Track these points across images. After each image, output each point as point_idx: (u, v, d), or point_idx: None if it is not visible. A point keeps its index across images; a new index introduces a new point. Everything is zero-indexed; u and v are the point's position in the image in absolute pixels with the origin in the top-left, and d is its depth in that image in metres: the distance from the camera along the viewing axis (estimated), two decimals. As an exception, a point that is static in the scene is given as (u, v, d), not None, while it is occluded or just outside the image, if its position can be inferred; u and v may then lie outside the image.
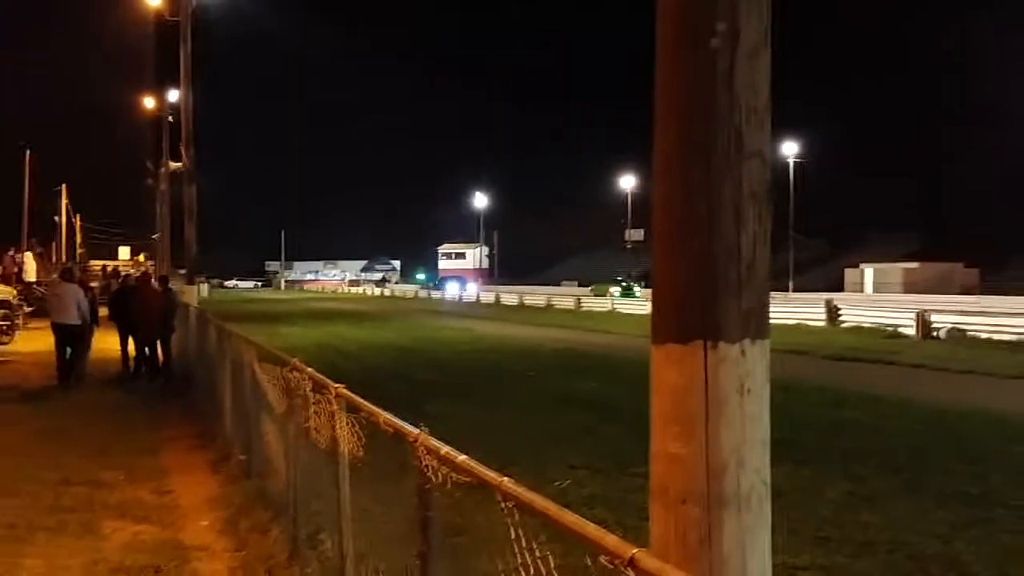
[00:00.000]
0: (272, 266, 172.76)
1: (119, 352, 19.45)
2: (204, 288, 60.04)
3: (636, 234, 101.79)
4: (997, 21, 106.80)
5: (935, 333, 28.25)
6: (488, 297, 71.98)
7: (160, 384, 17.97)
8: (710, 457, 2.58)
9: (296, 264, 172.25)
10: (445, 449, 3.44)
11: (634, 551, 2.12)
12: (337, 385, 5.36)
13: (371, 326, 38.01)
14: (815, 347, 24.90)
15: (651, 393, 2.72)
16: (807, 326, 32.86)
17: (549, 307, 55.10)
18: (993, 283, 63.64)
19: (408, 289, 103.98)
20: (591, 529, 2.33)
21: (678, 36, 2.66)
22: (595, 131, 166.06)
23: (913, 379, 18.66)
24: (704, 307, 2.61)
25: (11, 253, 42.19)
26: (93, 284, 26.60)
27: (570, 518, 2.44)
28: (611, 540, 2.22)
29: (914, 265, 69.74)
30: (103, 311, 20.29)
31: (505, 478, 2.87)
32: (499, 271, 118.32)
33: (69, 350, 17.90)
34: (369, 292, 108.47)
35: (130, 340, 19.18)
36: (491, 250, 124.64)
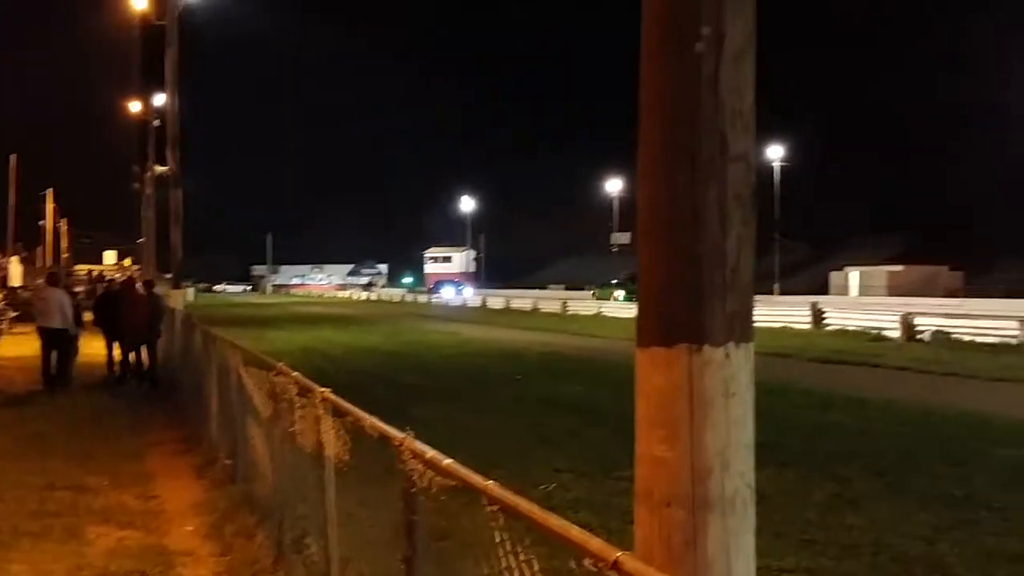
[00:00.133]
0: (259, 270, 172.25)
1: (104, 357, 19.38)
2: (190, 292, 59.96)
3: (622, 237, 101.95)
4: (986, 21, 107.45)
5: (919, 336, 28.37)
6: (475, 301, 72.03)
7: (145, 389, 17.93)
8: (695, 460, 2.58)
9: (283, 268, 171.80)
10: (430, 453, 3.43)
11: (618, 554, 2.12)
12: (323, 389, 5.35)
13: (357, 330, 37.97)
14: (800, 350, 24.98)
15: (636, 396, 2.72)
16: (792, 329, 32.96)
17: (535, 311, 55.11)
18: (977, 286, 63.89)
19: (395, 293, 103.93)
20: (575, 532, 2.32)
21: (663, 40, 2.66)
22: (581, 135, 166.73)
23: (898, 381, 18.73)
24: (689, 310, 2.60)
25: (-4, 258, 42.09)
26: (78, 289, 26.56)
27: (555, 522, 2.44)
28: (595, 543, 2.21)
29: (899, 268, 69.94)
30: (88, 316, 20.22)
31: (490, 482, 2.87)
32: (486, 275, 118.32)
33: (55, 354, 17.85)
34: (356, 296, 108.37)
35: (115, 345, 19.12)
36: (478, 254, 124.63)
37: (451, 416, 13.23)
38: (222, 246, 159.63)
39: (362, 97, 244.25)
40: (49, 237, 65.11)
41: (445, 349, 27.68)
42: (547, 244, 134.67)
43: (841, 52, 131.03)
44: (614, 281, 65.43)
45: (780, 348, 24.12)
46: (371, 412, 4.47)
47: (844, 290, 69.09)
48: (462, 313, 58.55)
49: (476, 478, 2.99)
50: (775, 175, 78.79)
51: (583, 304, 52.71)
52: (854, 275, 71.20)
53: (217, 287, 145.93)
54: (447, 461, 3.29)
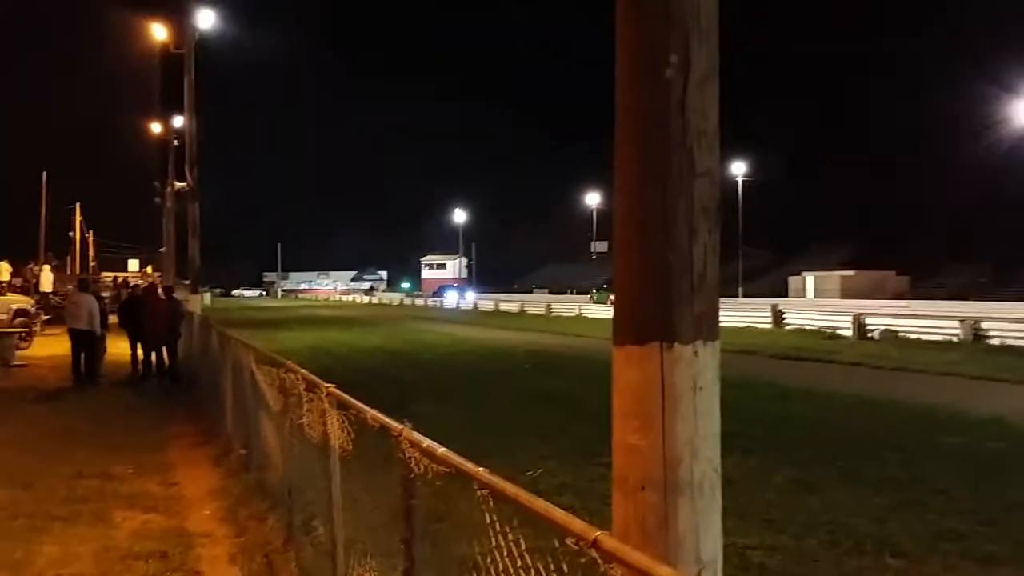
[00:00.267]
0: (269, 276, 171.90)
1: (129, 356, 19.32)
2: (207, 297, 59.74)
3: (601, 246, 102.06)
4: (931, 41, 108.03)
5: (870, 334, 28.47)
6: (467, 304, 71.99)
7: (166, 386, 17.88)
8: (666, 448, 2.58)
9: (292, 275, 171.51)
10: (427, 442, 3.42)
11: (597, 534, 2.12)
12: (328, 385, 5.33)
13: (360, 331, 37.90)
14: (762, 347, 25.04)
15: (612, 390, 2.73)
16: (755, 328, 33.06)
17: (522, 313, 55.11)
18: (922, 289, 64.16)
19: (394, 297, 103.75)
20: (559, 514, 2.32)
21: (636, 66, 2.67)
22: (564, 152, 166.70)
23: (851, 376, 18.78)
24: (660, 312, 2.61)
25: (30, 266, 41.88)
26: (105, 294, 26.48)
27: (540, 504, 2.44)
28: (577, 524, 2.21)
29: (850, 273, 70.02)
30: (113, 319, 20.15)
31: (481, 468, 2.87)
32: (477, 280, 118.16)
33: (83, 354, 17.81)
34: (358, 300, 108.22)
35: (139, 345, 19.07)
36: (469, 261, 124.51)
37: (446, 409, 13.22)
38: (236, 254, 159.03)
39: (363, 116, 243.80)
40: (77, 247, 64.77)
41: (440, 348, 27.64)
42: (532, 252, 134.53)
43: (800, 75, 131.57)
44: (605, 286, 65.32)
45: (744, 346, 24.18)
46: (373, 406, 4.46)
47: (801, 293, 69.24)
48: (455, 315, 58.52)
49: (468, 465, 2.98)
50: (739, 189, 79.06)
51: (565, 307, 52.69)
52: (810, 279, 71.36)
53: (235, 292, 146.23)
54: (441, 450, 3.28)
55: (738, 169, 79.82)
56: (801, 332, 31.24)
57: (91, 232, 68.29)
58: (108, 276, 55.43)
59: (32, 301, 30.01)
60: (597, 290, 66.41)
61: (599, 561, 2.09)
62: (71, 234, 65.39)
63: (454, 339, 31.65)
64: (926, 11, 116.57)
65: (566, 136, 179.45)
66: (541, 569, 2.58)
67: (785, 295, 66.45)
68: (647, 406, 2.61)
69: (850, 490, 8.47)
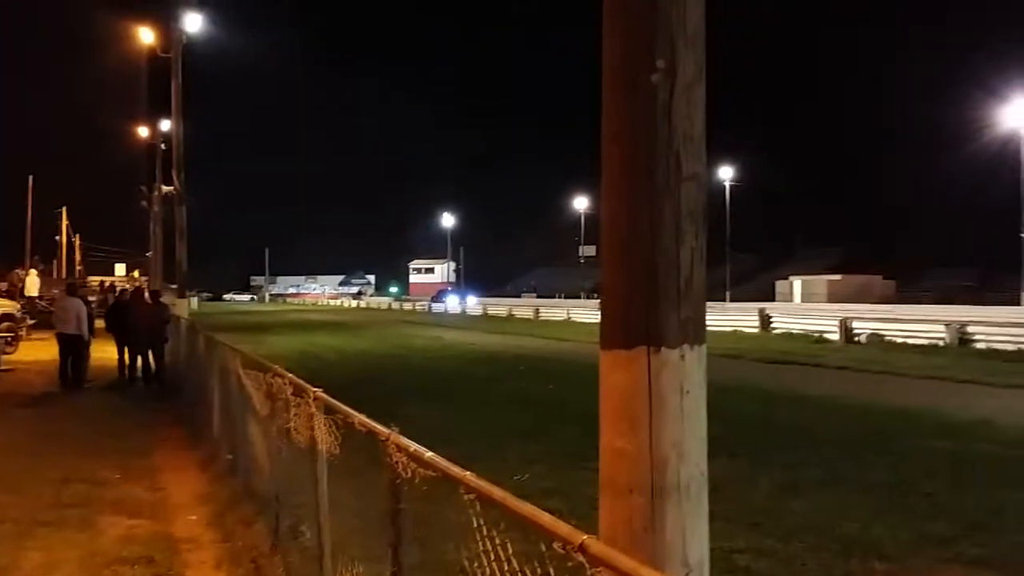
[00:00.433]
0: (257, 280, 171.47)
1: (116, 361, 19.24)
2: (194, 301, 59.55)
3: (589, 250, 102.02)
4: (914, 52, 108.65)
5: (857, 338, 28.57)
6: (455, 308, 71.97)
7: (153, 390, 17.81)
8: (653, 451, 2.59)
9: (279, 279, 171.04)
10: (414, 447, 3.42)
11: (584, 538, 2.12)
12: (315, 389, 5.32)
13: (349, 335, 37.81)
14: (749, 351, 25.08)
15: (600, 394, 2.73)
16: (742, 332, 33.11)
17: (511, 317, 55.08)
18: (908, 293, 64.55)
19: (382, 301, 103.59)
20: (546, 518, 2.32)
21: (622, 71, 2.68)
22: (553, 157, 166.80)
23: (837, 380, 18.84)
24: (647, 316, 2.62)
25: (16, 270, 41.69)
26: (92, 298, 26.38)
27: (527, 508, 2.43)
28: (563, 528, 2.21)
29: (837, 277, 70.31)
30: (100, 323, 20.07)
31: (468, 472, 2.86)
32: (465, 284, 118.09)
33: (71, 358, 17.76)
34: (346, 304, 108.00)
35: (126, 349, 19.00)
36: (457, 265, 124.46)
37: (433, 413, 13.17)
38: (224, 258, 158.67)
39: (350, 119, 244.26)
40: (64, 251, 64.50)
41: (429, 352, 27.60)
42: (520, 256, 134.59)
43: (789, 80, 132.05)
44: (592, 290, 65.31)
45: (731, 350, 24.23)
46: (360, 410, 4.45)
47: (788, 297, 69.47)
48: (444, 319, 58.44)
49: (455, 469, 2.98)
50: (726, 194, 79.28)
51: (552, 311, 52.69)
52: (797, 284, 71.62)
53: (226, 296, 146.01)
54: (428, 454, 3.28)
55: (725, 173, 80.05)
56: (788, 336, 31.33)
57: (78, 236, 68.02)
58: (95, 280, 55.23)
59: (18, 306, 29.87)
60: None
61: (586, 565, 2.09)
62: (57, 238, 65.12)
63: (442, 343, 31.61)
64: (913, 16, 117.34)
65: (555, 139, 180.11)
66: (528, 573, 2.58)
67: (772, 299, 66.65)
68: (634, 410, 2.62)
69: (837, 494, 8.49)
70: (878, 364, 21.32)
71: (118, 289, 33.26)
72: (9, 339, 25.14)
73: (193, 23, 29.03)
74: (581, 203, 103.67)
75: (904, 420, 12.80)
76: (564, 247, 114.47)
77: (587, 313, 46.12)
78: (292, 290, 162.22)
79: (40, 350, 24.04)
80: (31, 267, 44.31)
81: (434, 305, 76.54)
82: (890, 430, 12.00)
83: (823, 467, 9.62)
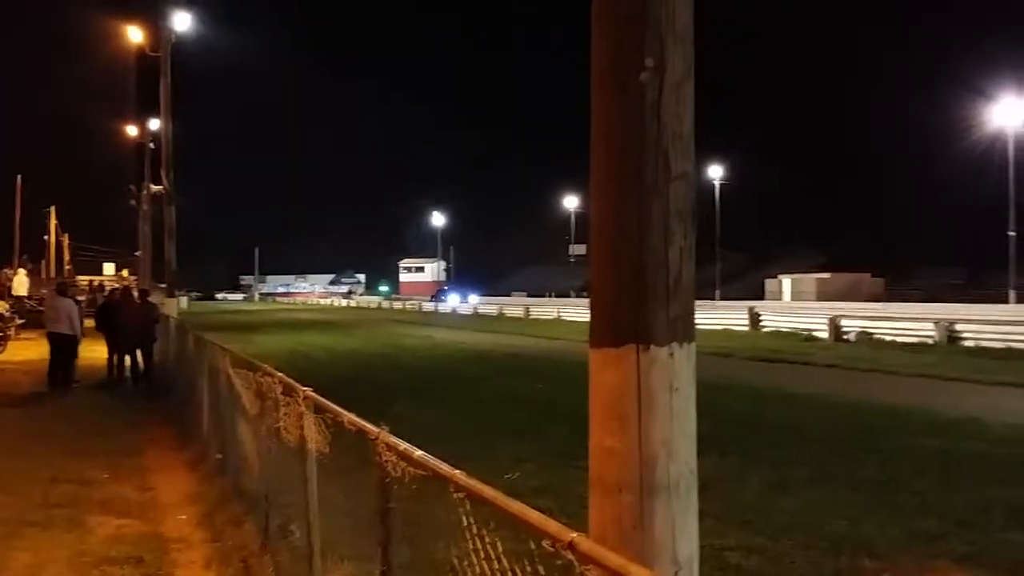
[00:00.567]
0: (246, 279, 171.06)
1: (105, 360, 19.18)
2: (184, 301, 59.36)
3: (579, 249, 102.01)
4: (905, 45, 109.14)
5: (846, 336, 28.64)
6: (446, 307, 71.93)
7: (142, 389, 17.77)
8: (643, 449, 2.59)
9: (269, 278, 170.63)
10: (403, 446, 3.41)
11: (573, 535, 2.12)
12: (305, 388, 5.31)
13: (338, 334, 37.75)
14: (739, 350, 25.12)
15: (589, 392, 2.73)
16: (732, 331, 33.14)
17: (501, 315, 55.07)
18: (897, 292, 64.67)
19: (372, 300, 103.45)
20: (535, 516, 2.32)
21: (611, 69, 2.68)
22: (543, 155, 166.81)
23: (827, 378, 18.89)
24: (636, 315, 2.62)
25: (4, 270, 41.49)
26: (81, 298, 26.27)
27: (516, 507, 2.43)
28: (553, 526, 2.21)
29: (826, 275, 70.39)
30: (89, 323, 20.00)
31: (457, 471, 2.86)
32: (455, 283, 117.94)
33: (60, 358, 17.72)
34: (336, 303, 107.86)
35: (115, 349, 18.95)
36: (448, 264, 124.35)
37: (424, 412, 13.17)
38: (214, 258, 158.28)
39: (341, 119, 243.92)
40: (52, 251, 64.21)
41: (419, 351, 27.58)
42: (511, 255, 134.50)
43: (778, 79, 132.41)
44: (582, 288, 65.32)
45: (721, 348, 24.26)
46: (351, 409, 4.44)
47: (778, 296, 69.51)
48: (434, 318, 58.40)
49: (445, 468, 2.98)
50: (716, 192, 79.43)
51: (543, 310, 52.70)
52: (787, 282, 71.67)
53: (219, 295, 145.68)
54: (418, 453, 3.27)
55: (715, 172, 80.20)
56: (777, 334, 31.37)
57: (66, 236, 67.68)
58: (83, 280, 54.98)
59: (6, 305, 29.73)
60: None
61: (575, 563, 2.09)
62: (46, 238, 64.79)
63: (432, 343, 31.59)
64: (904, 16, 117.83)
65: (544, 138, 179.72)
66: (518, 571, 2.58)
67: (761, 298, 66.68)
68: (623, 408, 2.62)
69: (826, 491, 8.51)
70: (867, 362, 21.38)
71: (107, 289, 33.16)
72: (-3, 339, 25.03)
73: (182, 22, 28.99)
74: (571, 202, 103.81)
75: (893, 418, 12.84)
76: (554, 246, 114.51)
77: (577, 312, 46.14)
78: (282, 289, 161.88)
79: (28, 350, 23.95)
80: (19, 267, 44.06)
81: (434, 304, 76.25)
82: (879, 428, 12.03)
83: (812, 465, 9.64)
